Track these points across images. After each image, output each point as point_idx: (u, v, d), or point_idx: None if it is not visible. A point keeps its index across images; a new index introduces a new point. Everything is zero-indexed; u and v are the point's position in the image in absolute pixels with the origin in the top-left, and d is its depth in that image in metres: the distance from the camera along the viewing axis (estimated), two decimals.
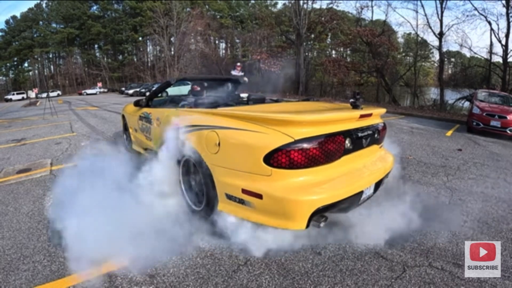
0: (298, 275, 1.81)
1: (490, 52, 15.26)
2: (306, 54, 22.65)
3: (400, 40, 24.22)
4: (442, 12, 15.32)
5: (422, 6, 16.70)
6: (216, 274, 1.81)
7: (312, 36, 23.11)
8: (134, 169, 2.82)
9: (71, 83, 46.62)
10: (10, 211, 2.79)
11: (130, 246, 1.98)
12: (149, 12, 38.33)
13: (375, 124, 2.37)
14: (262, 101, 2.99)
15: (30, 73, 47.42)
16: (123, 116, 4.55)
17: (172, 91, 5.34)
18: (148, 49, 48.75)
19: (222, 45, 45.22)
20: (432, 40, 17.80)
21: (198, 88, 3.37)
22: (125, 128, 4.47)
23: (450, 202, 2.97)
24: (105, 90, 40.25)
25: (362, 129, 2.18)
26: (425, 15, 16.70)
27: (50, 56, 48.50)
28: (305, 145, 1.78)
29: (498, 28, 14.46)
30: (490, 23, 14.54)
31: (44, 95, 26.57)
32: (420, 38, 18.44)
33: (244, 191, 1.88)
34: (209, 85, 3.74)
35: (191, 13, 34.64)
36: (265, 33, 20.91)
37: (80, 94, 35.93)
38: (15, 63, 46.77)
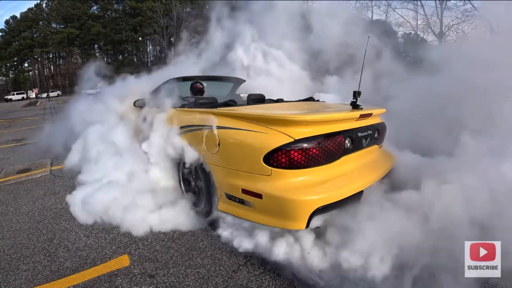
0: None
1: None
2: None
3: (400, 40, 24.32)
4: (442, 12, 15.35)
5: (422, 6, 16.73)
6: (216, 274, 1.81)
7: None
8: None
9: (71, 83, 46.62)
10: (10, 211, 2.80)
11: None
12: (149, 12, 38.37)
13: (375, 124, 2.37)
14: (262, 100, 2.99)
15: (30, 73, 47.43)
16: None
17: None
18: (148, 49, 48.78)
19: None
20: (432, 40, 17.80)
21: (201, 87, 3.36)
22: None
23: None
24: None
25: (362, 129, 2.17)
26: (425, 15, 16.78)
27: (50, 56, 48.48)
28: (305, 145, 1.77)
29: None
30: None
31: (44, 95, 26.60)
32: (420, 38, 18.46)
33: (244, 191, 1.87)
34: (210, 84, 3.73)
35: (191, 13, 34.75)
36: None
37: None
38: (15, 63, 46.74)
